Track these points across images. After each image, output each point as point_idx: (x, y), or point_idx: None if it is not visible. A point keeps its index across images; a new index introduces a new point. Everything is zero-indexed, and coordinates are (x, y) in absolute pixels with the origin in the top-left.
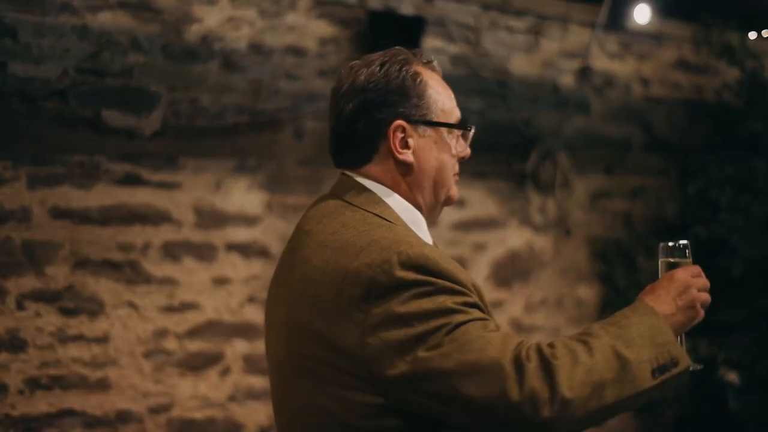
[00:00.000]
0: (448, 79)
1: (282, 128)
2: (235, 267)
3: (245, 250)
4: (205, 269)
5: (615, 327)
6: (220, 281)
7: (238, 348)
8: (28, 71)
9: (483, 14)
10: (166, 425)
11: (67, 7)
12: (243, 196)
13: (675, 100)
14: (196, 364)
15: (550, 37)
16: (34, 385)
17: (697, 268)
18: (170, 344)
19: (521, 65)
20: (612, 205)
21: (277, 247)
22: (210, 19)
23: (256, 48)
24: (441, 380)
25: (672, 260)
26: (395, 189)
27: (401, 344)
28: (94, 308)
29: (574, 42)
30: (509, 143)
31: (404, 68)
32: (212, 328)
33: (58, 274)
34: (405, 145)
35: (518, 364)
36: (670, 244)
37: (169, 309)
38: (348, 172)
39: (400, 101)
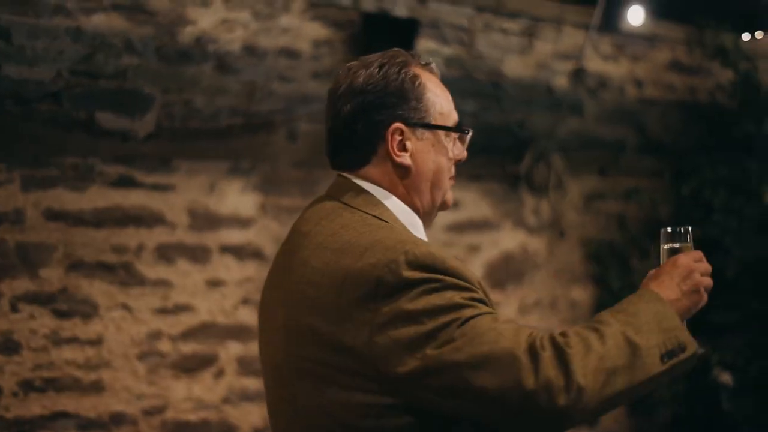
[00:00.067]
0: (442, 81)
1: (276, 130)
2: (229, 269)
3: (239, 252)
4: (199, 271)
5: (623, 314)
6: (214, 283)
7: (232, 350)
8: (22, 73)
9: (477, 16)
10: (160, 427)
11: (61, 10)
12: (237, 198)
13: (669, 101)
14: (190, 366)
15: (543, 39)
16: (27, 387)
17: (699, 253)
18: (164, 346)
19: (515, 67)
20: (606, 206)
21: (271, 249)
22: (204, 21)
23: (250, 50)
24: (453, 374)
25: (674, 246)
26: (393, 191)
27: (411, 341)
28: (87, 310)
29: (568, 44)
30: (503, 145)
31: (403, 70)
32: (206, 330)
33: (52, 276)
34: (403, 148)
35: (533, 353)
36: (672, 229)
37: (163, 311)
38: (345, 174)
39: (399, 104)
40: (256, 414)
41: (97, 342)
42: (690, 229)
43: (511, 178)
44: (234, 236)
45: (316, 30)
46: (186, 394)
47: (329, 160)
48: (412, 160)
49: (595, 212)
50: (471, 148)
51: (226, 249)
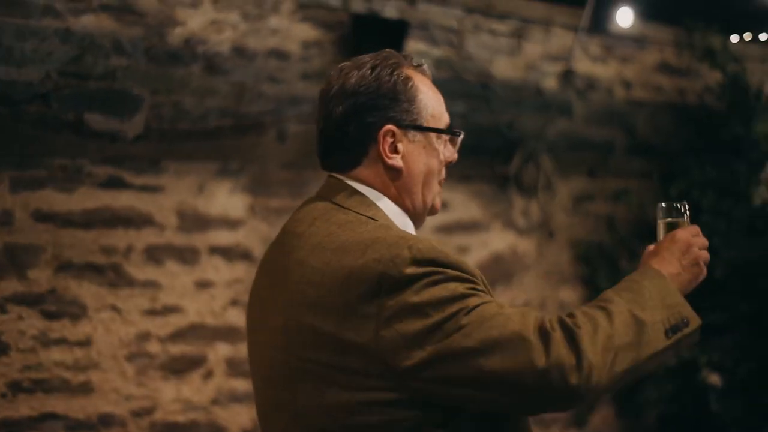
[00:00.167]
0: (432, 82)
1: (265, 131)
2: (217, 270)
3: (228, 253)
4: (187, 272)
5: (628, 292)
6: (203, 284)
7: (221, 351)
8: (10, 74)
9: (466, 17)
10: (149, 428)
11: (50, 11)
12: (226, 199)
13: (657, 103)
14: (179, 368)
15: (533, 41)
16: (16, 388)
17: (696, 228)
18: (153, 347)
19: (504, 68)
20: (595, 207)
21: (260, 250)
22: (193, 22)
23: (239, 51)
24: (464, 361)
25: (671, 221)
26: (385, 193)
27: (419, 334)
28: (76, 311)
29: (557, 45)
30: (492, 146)
31: (395, 72)
32: (195, 332)
33: (41, 278)
34: (394, 150)
35: (543, 333)
36: (668, 204)
37: (152, 312)
38: (336, 175)
39: (391, 105)
40: (244, 415)
41: (85, 343)
42: (686, 203)
43: (500, 179)
44: (223, 237)
45: (306, 31)
46: (175, 396)
47: (320, 161)
48: (404, 162)
49: (584, 213)
50: (460, 149)
51: (215, 250)
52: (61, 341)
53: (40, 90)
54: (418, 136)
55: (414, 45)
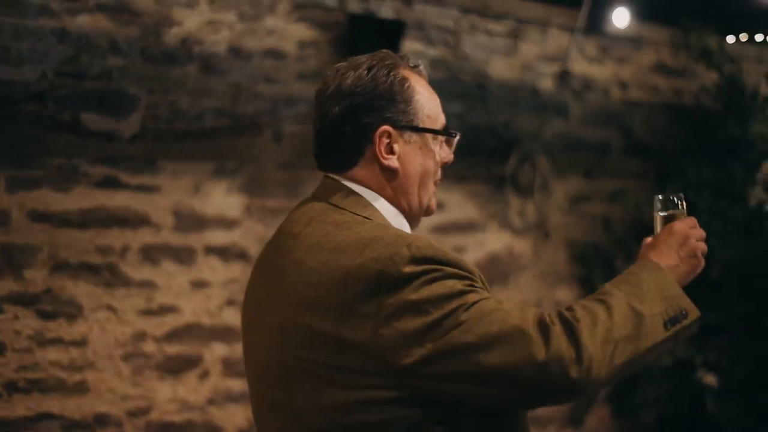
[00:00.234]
0: (428, 82)
1: (261, 131)
2: (214, 270)
3: (224, 253)
4: (183, 272)
5: (626, 285)
6: (199, 284)
7: (216, 351)
8: (7, 74)
9: (462, 18)
10: (145, 429)
11: (46, 10)
12: (222, 199)
13: (653, 103)
14: (175, 368)
15: (529, 41)
16: (11, 388)
17: (693, 220)
18: (149, 347)
19: (500, 69)
20: (591, 208)
21: (256, 251)
22: (189, 22)
23: (236, 51)
24: (463, 356)
25: (668, 213)
26: (381, 193)
27: (418, 331)
28: (72, 311)
29: (554, 46)
30: (488, 146)
31: (392, 72)
32: (191, 332)
33: (37, 278)
34: (390, 151)
35: (542, 327)
36: (665, 196)
37: (148, 312)
38: (332, 175)
39: (388, 106)
40: (240, 415)
41: (81, 343)
42: (683, 196)
43: (496, 179)
44: (219, 237)
45: (302, 31)
46: (171, 396)
47: (316, 162)
48: (400, 163)
49: (580, 214)
50: (456, 150)
51: (211, 250)
52: (57, 341)
53: (37, 90)
54: (414, 136)
55: (410, 45)
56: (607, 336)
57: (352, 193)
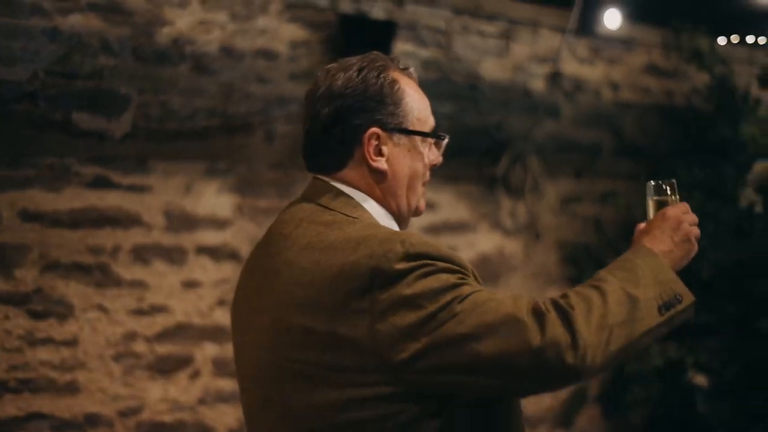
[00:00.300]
0: (419, 84)
1: (253, 131)
2: (205, 270)
3: (215, 253)
4: (175, 272)
5: (621, 271)
6: (190, 284)
7: (207, 351)
8: None
9: (454, 18)
10: (136, 429)
11: (38, 10)
12: (213, 199)
13: (645, 104)
14: (166, 368)
15: (520, 42)
16: (2, 388)
17: (686, 205)
18: (140, 347)
19: (492, 69)
20: (582, 209)
21: (247, 250)
22: (181, 22)
23: (227, 51)
24: (459, 347)
25: (660, 199)
26: (370, 194)
27: (413, 325)
28: (63, 311)
29: (545, 47)
30: (480, 147)
31: (382, 75)
32: (182, 332)
33: (27, 277)
34: (379, 153)
35: (537, 314)
36: (658, 183)
37: (139, 312)
38: (322, 177)
39: (377, 108)
40: (231, 415)
41: (72, 343)
42: (675, 182)
43: (487, 180)
44: (210, 237)
45: (294, 31)
46: (161, 395)
47: (305, 163)
48: (388, 165)
49: (571, 215)
50: (448, 150)
51: (203, 250)
52: (48, 341)
53: (28, 89)
54: (403, 139)
55: (402, 46)
56: (602, 322)
57: (342, 194)
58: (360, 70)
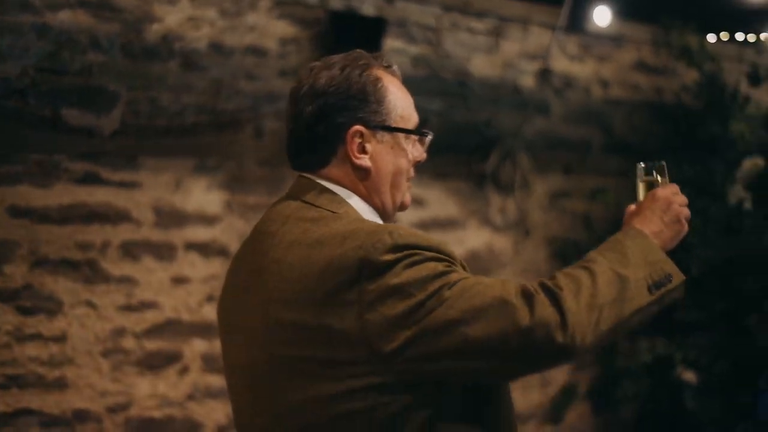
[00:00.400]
0: (409, 80)
1: (242, 128)
2: (194, 266)
3: (204, 249)
4: (164, 268)
5: (610, 252)
6: (179, 280)
7: (196, 347)
8: None
9: (444, 15)
10: (125, 424)
11: (27, 6)
12: (202, 195)
13: (634, 101)
14: (155, 363)
15: (510, 39)
16: None
17: (675, 186)
18: (128, 343)
19: (482, 66)
20: (571, 205)
21: (236, 247)
22: (170, 18)
23: (217, 48)
24: (449, 332)
25: (650, 180)
26: (354, 191)
27: (402, 314)
28: (52, 307)
29: (535, 43)
30: (469, 144)
31: (365, 72)
32: (171, 328)
33: (16, 273)
34: (362, 150)
35: (526, 295)
36: (647, 164)
37: (128, 308)
38: (307, 175)
39: (360, 106)
40: (220, 411)
41: (61, 339)
42: (665, 163)
43: (477, 176)
44: (199, 234)
45: (283, 28)
46: (150, 391)
47: (290, 161)
48: (372, 162)
49: (560, 211)
50: (437, 147)
51: (192, 246)
52: (37, 337)
53: (17, 86)
54: (387, 136)
55: (391, 42)
56: (592, 301)
57: (326, 190)
58: (343, 69)
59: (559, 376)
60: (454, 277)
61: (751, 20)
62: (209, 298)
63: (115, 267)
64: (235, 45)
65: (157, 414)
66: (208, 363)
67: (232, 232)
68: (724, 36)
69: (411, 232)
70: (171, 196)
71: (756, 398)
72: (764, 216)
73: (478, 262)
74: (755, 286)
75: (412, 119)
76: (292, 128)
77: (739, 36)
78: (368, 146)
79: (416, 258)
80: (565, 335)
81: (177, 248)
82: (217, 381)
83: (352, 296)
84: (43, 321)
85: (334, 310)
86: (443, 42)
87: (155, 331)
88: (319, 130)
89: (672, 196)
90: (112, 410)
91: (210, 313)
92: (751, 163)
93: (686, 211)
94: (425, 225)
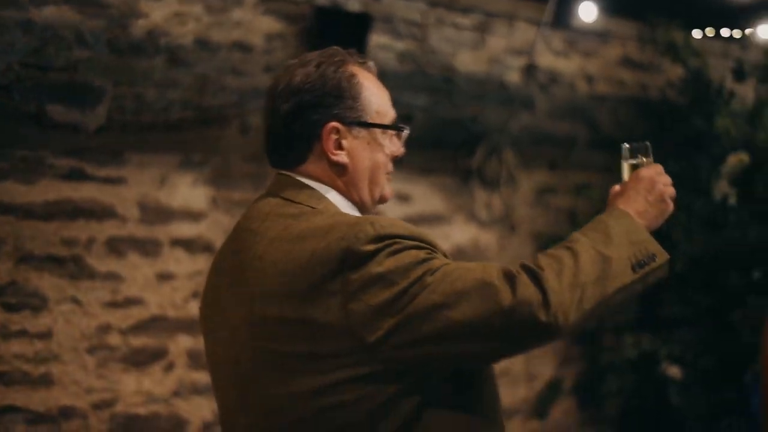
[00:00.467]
0: (395, 76)
1: (228, 124)
2: (179, 262)
3: (190, 245)
4: (149, 264)
5: (593, 232)
6: (165, 277)
7: (182, 343)
8: None
9: (430, 11)
10: (110, 421)
11: (12, 1)
12: (188, 191)
13: (620, 97)
14: (140, 360)
15: (496, 34)
16: None
17: (659, 166)
18: (114, 340)
19: (467, 62)
20: (557, 201)
21: (222, 243)
22: (156, 14)
23: (202, 43)
24: (432, 317)
25: (635, 161)
26: (333, 187)
27: (386, 302)
28: (37, 303)
29: (520, 39)
30: (455, 139)
31: (340, 69)
32: (156, 324)
33: (1, 270)
34: (339, 147)
35: (508, 276)
36: (632, 145)
37: (113, 304)
38: (285, 172)
39: (336, 103)
40: (206, 407)
41: (46, 335)
42: (649, 144)
43: (462, 172)
44: (185, 230)
45: (269, 24)
46: (136, 388)
47: (268, 159)
48: (349, 158)
49: (546, 207)
50: (423, 142)
51: (177, 242)
52: (22, 333)
53: (2, 81)
54: (363, 132)
55: (377, 38)
56: (574, 280)
57: (305, 186)
58: (318, 66)
59: (545, 371)
60: (436, 263)
61: (736, 16)
62: (195, 295)
63: (101, 263)
64: (221, 41)
65: (142, 410)
66: (194, 359)
67: (217, 228)
68: (710, 32)
69: (392, 221)
70: (156, 192)
71: (743, 394)
72: (749, 212)
73: (464, 258)
74: (740, 282)
75: (388, 114)
76: (269, 126)
77: (725, 32)
78: (345, 142)
79: (398, 246)
80: (548, 314)
81: (162, 244)
82: (203, 377)
83: (336, 287)
84: (28, 317)
85: (317, 303)
86: (429, 38)
87: (140, 327)
88: (296, 127)
89: (656, 175)
90: (98, 407)
91: (195, 309)
92: (735, 159)
93: (671, 190)
94: (411, 220)
